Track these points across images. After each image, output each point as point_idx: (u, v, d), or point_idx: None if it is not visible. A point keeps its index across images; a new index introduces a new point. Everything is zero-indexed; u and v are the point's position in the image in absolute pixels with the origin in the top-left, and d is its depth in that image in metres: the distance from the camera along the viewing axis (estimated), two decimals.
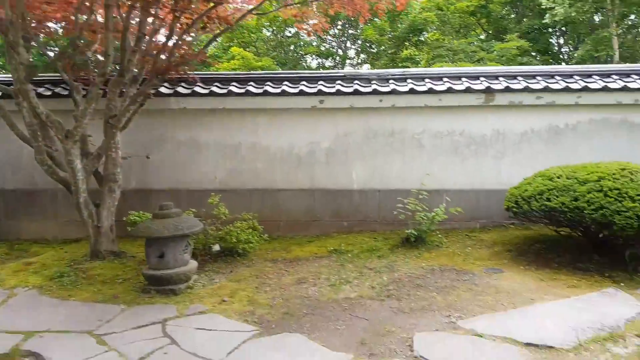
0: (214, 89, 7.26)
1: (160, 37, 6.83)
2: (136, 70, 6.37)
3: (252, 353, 3.63)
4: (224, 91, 7.21)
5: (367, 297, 4.71)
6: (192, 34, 7.29)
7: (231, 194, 7.05)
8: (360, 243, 6.54)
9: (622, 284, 4.88)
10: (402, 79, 7.51)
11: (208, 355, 3.58)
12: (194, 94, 7.20)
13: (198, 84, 7.35)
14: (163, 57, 6.38)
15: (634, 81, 7.04)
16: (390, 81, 7.42)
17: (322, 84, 7.34)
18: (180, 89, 7.26)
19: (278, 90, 7.19)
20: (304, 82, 7.44)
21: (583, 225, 5.29)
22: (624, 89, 6.94)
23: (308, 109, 7.26)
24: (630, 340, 3.72)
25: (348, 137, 7.35)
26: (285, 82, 7.45)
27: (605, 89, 6.95)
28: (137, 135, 7.13)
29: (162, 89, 7.18)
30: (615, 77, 7.22)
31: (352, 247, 6.39)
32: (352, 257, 5.97)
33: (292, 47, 17.49)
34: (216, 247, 5.88)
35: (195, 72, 7.40)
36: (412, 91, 7.10)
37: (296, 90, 7.18)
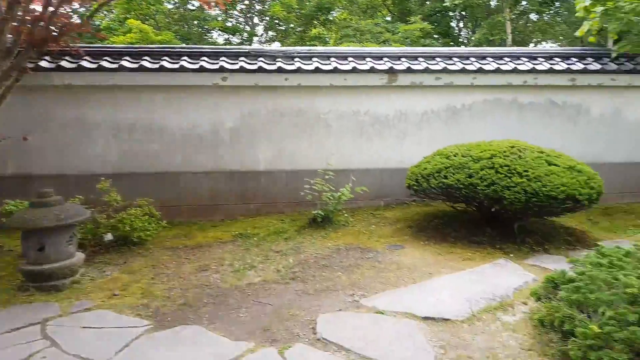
0: (104, 63, 6.63)
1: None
2: (11, 37, 5.59)
3: (144, 350, 3.35)
4: (115, 66, 6.61)
5: (272, 281, 4.59)
6: (78, 3, 6.56)
7: (126, 178, 6.55)
8: (267, 226, 6.39)
9: (511, 254, 5.21)
10: (308, 57, 7.37)
11: (93, 356, 3.26)
12: (80, 68, 6.52)
13: (85, 57, 6.67)
14: (42, 27, 5.65)
15: (523, 63, 7.49)
16: (296, 59, 7.25)
17: (224, 61, 6.99)
18: (64, 64, 6.54)
19: (176, 66, 6.73)
20: (205, 58, 7.03)
21: (477, 200, 5.56)
22: (514, 70, 7.36)
23: (210, 86, 6.89)
24: (518, 308, 3.96)
25: (254, 117, 7.10)
26: (185, 58, 7.00)
27: (497, 71, 7.33)
28: (13, 114, 6.35)
29: (43, 63, 6.42)
30: (507, 59, 7.63)
31: (259, 230, 6.23)
32: (258, 241, 5.81)
33: (196, 22, 16.62)
34: (108, 237, 5.42)
35: (80, 45, 6.71)
36: (317, 70, 7.00)
37: (196, 66, 6.76)
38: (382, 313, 3.86)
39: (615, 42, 8.03)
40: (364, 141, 7.32)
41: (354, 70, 7.05)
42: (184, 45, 8.90)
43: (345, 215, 6.48)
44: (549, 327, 3.43)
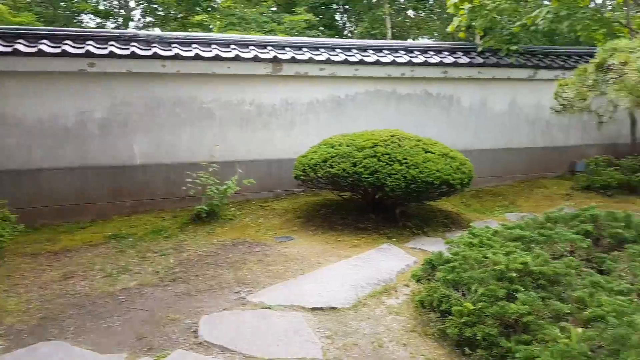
0: None
1: None
2: None
3: None
4: None
5: (149, 284, 4.23)
6: None
7: None
8: (145, 224, 5.93)
9: (394, 239, 5.40)
10: (187, 43, 6.94)
11: None
12: None
13: None
14: None
15: (401, 56, 7.79)
16: (174, 45, 6.79)
17: (91, 45, 6.30)
18: None
19: (33, 50, 5.93)
20: (69, 42, 6.28)
21: (361, 188, 5.67)
22: (393, 63, 7.63)
23: (75, 72, 6.18)
24: (401, 290, 4.08)
25: (128, 106, 6.52)
26: (44, 41, 6.18)
27: (377, 63, 7.54)
28: None
29: None
30: (386, 52, 7.87)
31: (136, 229, 5.75)
32: (135, 241, 5.36)
33: (62, 3, 14.97)
34: None
35: None
36: (197, 57, 6.62)
37: (57, 51, 6.01)
38: (270, 308, 3.75)
39: (482, 37, 8.74)
40: (251, 131, 7.12)
41: (237, 58, 6.79)
42: (44, 27, 7.86)
43: (232, 209, 6.24)
44: (428, 308, 3.56)
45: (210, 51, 6.78)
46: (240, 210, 6.37)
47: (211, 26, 14.54)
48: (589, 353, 2.48)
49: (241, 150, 7.05)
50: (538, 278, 3.18)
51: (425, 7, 16.64)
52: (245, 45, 7.18)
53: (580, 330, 2.67)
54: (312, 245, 5.17)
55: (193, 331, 3.39)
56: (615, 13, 10.15)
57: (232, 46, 7.05)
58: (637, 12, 9.02)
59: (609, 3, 11.82)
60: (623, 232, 3.94)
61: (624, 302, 2.78)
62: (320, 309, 3.73)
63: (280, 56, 7.03)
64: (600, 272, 3.49)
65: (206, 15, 13.88)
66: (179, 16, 15.41)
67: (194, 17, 13.83)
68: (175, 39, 6.96)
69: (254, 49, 7.06)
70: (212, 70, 6.79)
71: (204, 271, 4.49)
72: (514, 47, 8.12)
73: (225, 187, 5.97)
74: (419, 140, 5.84)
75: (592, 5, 9.39)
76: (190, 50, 6.69)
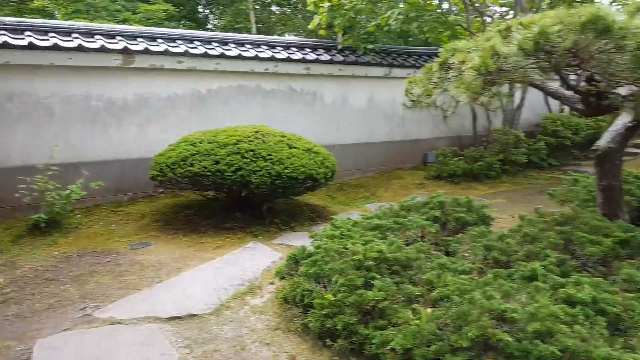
0: None
1: None
2: None
3: None
4: None
5: None
6: None
7: None
8: None
9: (260, 236, 5.30)
10: (19, 30, 6.06)
11: None
12: None
13: None
14: None
15: (264, 51, 7.70)
16: (2, 32, 5.87)
17: None
18: None
19: None
20: None
21: (226, 186, 5.47)
22: (256, 57, 7.49)
23: None
24: (266, 288, 3.99)
25: None
26: None
27: (240, 57, 7.34)
28: None
29: None
30: (248, 46, 7.71)
31: None
32: None
33: None
34: None
35: None
36: (32, 46, 5.81)
37: None
38: (120, 323, 3.40)
39: (343, 36, 9.03)
40: (99, 130, 6.44)
41: (80, 49, 6.10)
42: None
43: (79, 216, 5.59)
44: (292, 303, 3.51)
45: (47, 40, 6.01)
46: (89, 217, 5.73)
47: (55, 13, 13.04)
48: (437, 331, 2.61)
49: (88, 150, 6.35)
50: (393, 264, 3.30)
51: (289, 4, 16.79)
52: (90, 34, 6.50)
53: (429, 310, 2.81)
54: (172, 250, 4.83)
55: (25, 359, 2.93)
56: (458, 17, 11.27)
57: (75, 35, 6.33)
58: (476, 17, 10.07)
59: (454, 8, 13.04)
60: (465, 215, 4.30)
61: (466, 281, 3.00)
62: (179, 317, 3.48)
63: (131, 47, 6.48)
64: (447, 254, 3.76)
65: (48, 1, 12.36)
66: (14, 0, 13.52)
67: (33, 3, 12.23)
68: (4, 25, 6.04)
69: (100, 39, 6.41)
70: (50, 62, 6.02)
71: (41, 288, 3.92)
72: (370, 46, 8.51)
73: (68, 192, 5.30)
74: (283, 136, 5.80)
75: (439, 10, 10.28)
76: (23, 39, 5.86)
